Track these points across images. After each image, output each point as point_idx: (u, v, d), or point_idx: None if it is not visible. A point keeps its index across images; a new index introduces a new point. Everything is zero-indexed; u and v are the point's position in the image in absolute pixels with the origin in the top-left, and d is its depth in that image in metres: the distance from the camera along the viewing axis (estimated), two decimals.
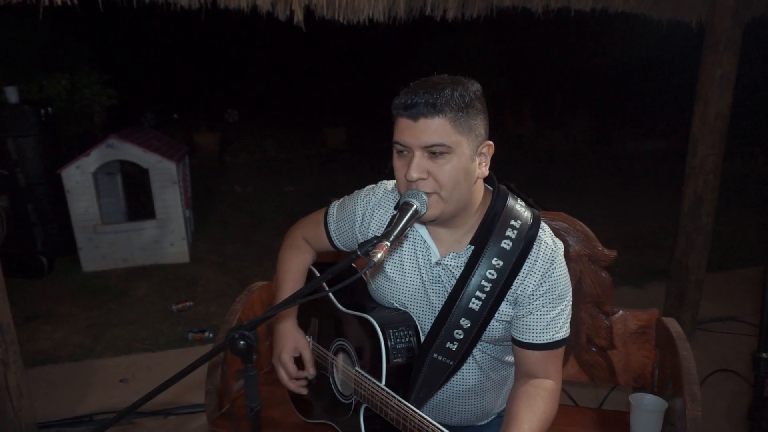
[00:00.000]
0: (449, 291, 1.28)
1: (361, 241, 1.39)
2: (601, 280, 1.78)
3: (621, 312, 1.78)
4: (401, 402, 1.16)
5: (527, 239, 1.24)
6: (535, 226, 1.27)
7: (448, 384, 1.34)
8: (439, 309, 1.29)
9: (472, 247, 1.26)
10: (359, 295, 1.47)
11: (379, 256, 1.00)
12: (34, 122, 4.55)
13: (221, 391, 1.76)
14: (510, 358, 1.38)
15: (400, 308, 1.36)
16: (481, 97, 1.17)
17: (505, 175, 1.33)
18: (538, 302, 1.24)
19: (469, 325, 1.25)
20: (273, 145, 10.33)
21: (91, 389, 2.86)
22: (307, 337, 1.55)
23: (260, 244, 5.27)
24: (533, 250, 1.25)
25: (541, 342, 1.25)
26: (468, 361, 1.32)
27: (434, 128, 1.11)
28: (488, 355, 1.34)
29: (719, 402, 2.62)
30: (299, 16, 2.54)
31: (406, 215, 1.10)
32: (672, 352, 1.59)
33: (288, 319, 1.52)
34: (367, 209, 1.39)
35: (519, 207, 1.29)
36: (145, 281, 4.34)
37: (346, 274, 1.44)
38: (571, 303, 1.30)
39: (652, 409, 1.55)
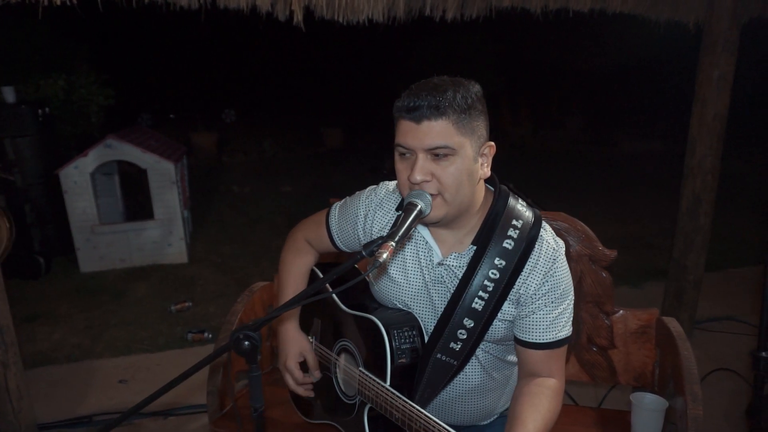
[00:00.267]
0: (452, 291, 1.28)
1: (364, 241, 1.41)
2: (602, 280, 1.79)
3: (621, 312, 1.79)
4: (407, 402, 1.16)
5: (529, 239, 1.25)
6: (536, 226, 1.27)
7: (452, 384, 1.35)
8: (442, 309, 1.29)
9: (474, 248, 1.27)
10: (362, 296, 1.47)
11: (384, 256, 1.00)
12: (32, 122, 4.53)
13: (223, 391, 1.76)
14: (512, 358, 1.38)
15: (403, 309, 1.37)
16: (482, 98, 1.18)
17: (503, 175, 1.33)
18: (540, 302, 1.25)
19: (472, 325, 1.25)
20: (270, 146, 10.32)
21: (90, 390, 2.86)
22: (309, 337, 1.55)
23: (258, 244, 5.27)
24: (535, 249, 1.25)
25: (544, 341, 1.26)
26: (471, 361, 1.33)
27: (437, 131, 1.12)
28: (491, 354, 1.35)
29: (718, 401, 2.63)
30: (299, 17, 2.54)
31: (410, 216, 1.10)
32: (673, 351, 1.60)
33: (290, 322, 1.52)
34: (369, 210, 1.39)
35: (520, 207, 1.30)
36: (144, 282, 4.33)
37: (349, 274, 1.44)
38: (573, 302, 1.31)
39: (653, 409, 1.56)
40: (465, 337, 1.26)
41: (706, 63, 2.73)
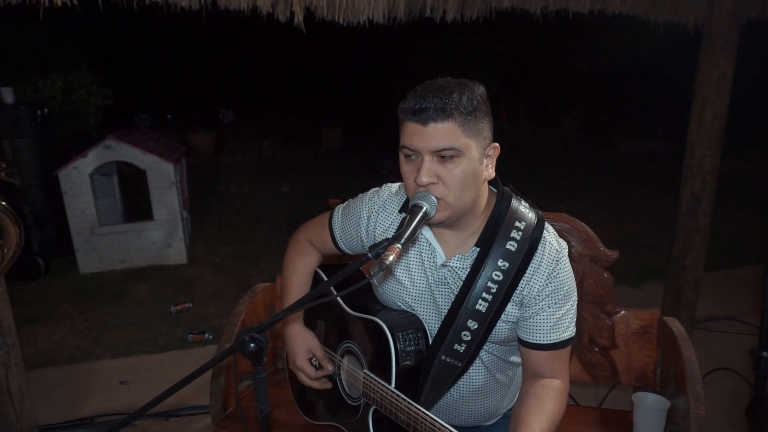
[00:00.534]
0: (455, 293, 1.29)
1: (367, 243, 1.41)
2: (603, 281, 1.80)
3: (623, 312, 1.80)
4: (412, 404, 1.17)
5: (532, 240, 1.25)
6: (539, 227, 1.28)
7: (456, 385, 1.35)
8: (446, 311, 1.30)
9: (478, 249, 1.27)
10: (365, 298, 1.47)
11: (391, 258, 1.00)
12: (30, 123, 4.52)
13: (226, 392, 1.76)
14: (516, 358, 1.39)
15: (407, 310, 1.37)
16: (487, 100, 1.18)
17: (501, 176, 1.34)
18: (544, 303, 1.25)
19: (476, 326, 1.25)
20: (269, 146, 10.31)
21: (91, 391, 2.85)
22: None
23: (257, 244, 5.27)
24: (538, 251, 1.26)
25: (548, 342, 1.26)
26: (475, 362, 1.33)
27: (444, 132, 1.12)
28: (494, 355, 1.35)
29: (718, 400, 2.64)
30: (299, 17, 2.54)
31: (416, 217, 1.10)
32: (674, 351, 1.61)
33: (295, 323, 1.52)
34: (372, 212, 1.40)
35: (523, 208, 1.30)
36: (143, 282, 4.33)
37: (353, 277, 1.45)
38: (576, 303, 1.31)
39: (655, 408, 1.56)
40: (469, 338, 1.26)
41: (705, 63, 2.73)
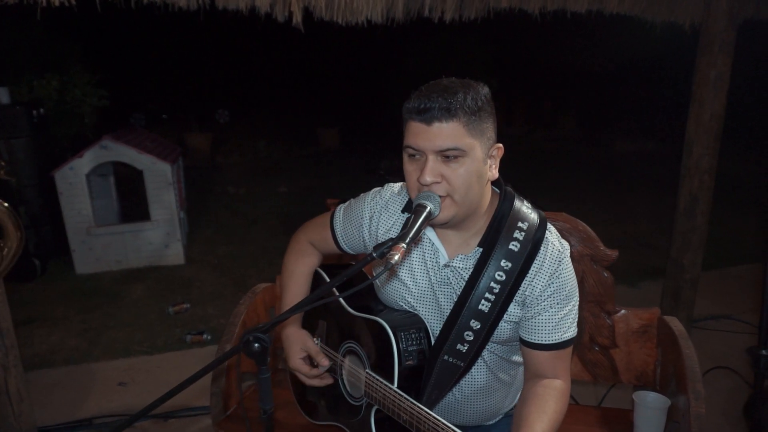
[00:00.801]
0: (458, 293, 1.29)
1: (369, 243, 1.41)
2: (603, 280, 1.80)
3: (623, 311, 1.80)
4: (414, 404, 1.17)
5: (535, 241, 1.26)
6: (542, 228, 1.28)
7: (459, 385, 1.35)
8: (448, 311, 1.30)
9: (481, 249, 1.27)
10: (367, 298, 1.47)
11: (396, 257, 1.01)
12: (26, 123, 4.50)
13: (227, 393, 1.76)
14: (518, 358, 1.39)
15: (410, 310, 1.37)
16: (491, 100, 1.19)
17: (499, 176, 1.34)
18: (546, 303, 1.26)
19: (479, 326, 1.26)
20: (266, 146, 10.29)
21: (89, 393, 2.84)
22: (314, 339, 1.55)
23: (255, 245, 5.26)
24: (541, 251, 1.26)
25: (550, 342, 1.26)
26: (478, 362, 1.33)
27: (448, 132, 1.12)
28: (497, 355, 1.35)
29: (716, 399, 2.65)
30: (298, 18, 2.53)
31: (420, 217, 1.10)
32: (675, 350, 1.61)
33: (290, 324, 1.52)
34: (375, 212, 1.40)
35: (526, 209, 1.31)
36: (140, 283, 4.32)
37: (355, 277, 1.44)
38: (578, 303, 1.31)
39: (656, 407, 1.57)
40: (472, 338, 1.27)
41: (703, 63, 2.75)
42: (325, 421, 1.57)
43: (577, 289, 1.32)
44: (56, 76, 5.80)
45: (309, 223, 1.59)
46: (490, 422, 1.47)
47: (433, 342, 1.32)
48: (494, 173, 1.23)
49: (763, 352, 1.63)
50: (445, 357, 1.27)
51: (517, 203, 1.30)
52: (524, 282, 1.25)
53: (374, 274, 1.44)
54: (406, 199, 1.37)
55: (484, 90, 1.17)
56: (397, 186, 1.43)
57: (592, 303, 1.80)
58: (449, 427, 1.09)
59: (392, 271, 1.36)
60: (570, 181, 7.85)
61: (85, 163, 4.32)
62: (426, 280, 1.33)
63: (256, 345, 1.06)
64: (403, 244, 1.03)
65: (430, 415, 1.13)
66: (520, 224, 1.26)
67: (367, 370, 1.34)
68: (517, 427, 1.17)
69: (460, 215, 1.20)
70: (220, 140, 10.33)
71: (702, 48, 2.77)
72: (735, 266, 4.48)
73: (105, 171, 4.92)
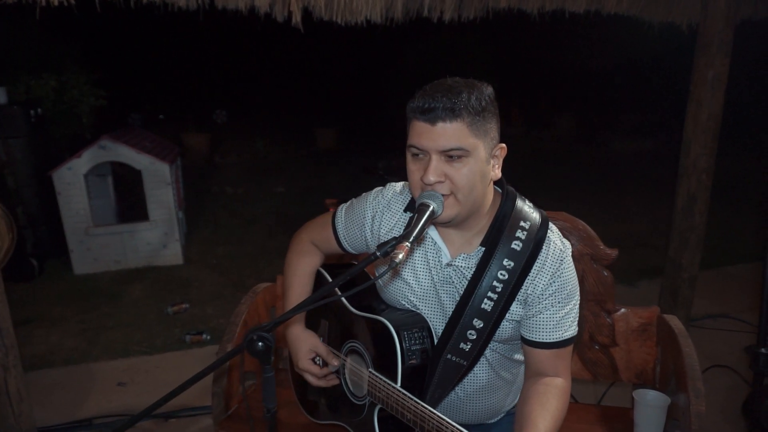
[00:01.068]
0: (460, 292, 1.29)
1: (372, 243, 1.42)
2: (603, 279, 1.81)
3: (623, 310, 1.81)
4: (419, 403, 1.17)
5: (537, 240, 1.26)
6: (543, 227, 1.29)
7: (461, 384, 1.36)
8: (451, 310, 1.30)
9: (483, 249, 1.28)
10: (369, 297, 1.47)
11: (400, 256, 1.01)
12: (24, 123, 4.49)
13: (228, 393, 1.76)
14: (519, 356, 1.40)
15: (412, 309, 1.38)
16: (494, 101, 1.19)
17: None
18: (547, 302, 1.26)
19: (481, 325, 1.26)
20: (263, 146, 10.28)
21: (89, 393, 2.84)
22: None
23: (253, 244, 5.26)
24: (543, 250, 1.27)
25: (551, 341, 1.27)
26: (480, 360, 1.34)
27: (452, 132, 1.12)
28: (499, 354, 1.36)
29: (714, 397, 2.66)
30: (297, 17, 2.54)
31: (424, 216, 1.11)
32: (674, 348, 1.62)
33: (296, 324, 1.52)
34: (377, 212, 1.40)
35: (528, 208, 1.31)
36: (139, 283, 4.31)
37: (357, 276, 1.45)
38: (578, 302, 1.32)
39: (656, 405, 1.58)
40: (475, 337, 1.27)
41: (701, 64, 2.76)
42: (327, 420, 1.57)
43: (578, 288, 1.32)
44: (54, 75, 5.79)
45: (311, 223, 1.59)
46: (492, 421, 1.48)
47: (436, 341, 1.32)
48: (497, 173, 1.24)
49: (763, 350, 1.64)
50: (449, 356, 1.28)
51: (519, 203, 1.31)
52: (526, 281, 1.26)
53: (377, 274, 1.45)
54: (408, 199, 1.38)
55: (488, 90, 1.18)
56: (399, 185, 1.43)
57: (592, 302, 1.81)
58: (454, 426, 1.09)
59: (395, 270, 1.36)
60: (568, 180, 7.87)
61: (83, 163, 4.31)
62: (428, 279, 1.34)
63: (260, 344, 1.06)
64: (407, 243, 1.03)
65: (435, 413, 1.14)
66: (522, 223, 1.27)
67: (370, 370, 1.34)
68: (521, 425, 1.18)
69: (463, 214, 1.20)
70: (218, 140, 10.31)
71: (700, 48, 2.78)
72: (732, 265, 4.51)
73: (103, 171, 4.91)
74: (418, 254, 1.35)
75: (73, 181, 4.31)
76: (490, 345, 1.32)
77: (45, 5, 2.14)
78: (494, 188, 1.33)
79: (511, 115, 11.56)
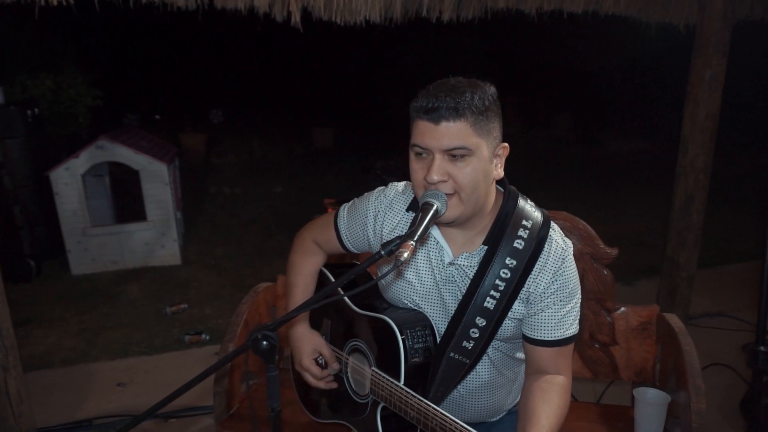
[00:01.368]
0: (462, 291, 1.30)
1: (374, 242, 1.42)
2: (603, 278, 1.82)
3: (623, 308, 1.82)
4: (422, 401, 1.18)
5: (539, 239, 1.27)
6: (545, 226, 1.29)
7: (464, 382, 1.37)
8: (453, 308, 1.31)
9: (485, 247, 1.28)
10: (372, 296, 1.48)
11: (405, 255, 1.02)
12: (21, 123, 4.47)
13: (230, 393, 1.76)
14: (521, 355, 1.40)
15: (414, 308, 1.38)
16: (497, 100, 1.20)
17: None
18: (549, 300, 1.27)
19: (484, 323, 1.27)
20: (260, 146, 10.27)
21: (88, 393, 2.83)
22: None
23: (251, 245, 5.25)
24: (545, 249, 1.27)
25: (553, 339, 1.28)
26: (483, 358, 1.34)
27: (455, 132, 1.13)
28: (501, 352, 1.37)
29: (712, 395, 2.68)
30: (296, 17, 2.54)
31: (428, 215, 1.12)
32: (674, 346, 1.63)
33: (301, 323, 1.53)
34: (379, 211, 1.41)
35: (530, 207, 1.32)
36: (137, 284, 4.30)
37: (359, 275, 1.45)
38: (580, 300, 1.33)
39: (656, 403, 1.59)
40: (477, 335, 1.28)
41: (698, 64, 2.78)
42: (329, 419, 1.58)
43: (580, 287, 1.33)
44: (50, 75, 5.78)
45: (312, 223, 1.60)
46: (493, 419, 1.49)
47: (438, 339, 1.33)
48: (500, 172, 1.24)
49: (762, 348, 1.65)
50: (451, 354, 1.29)
51: (521, 202, 1.32)
52: (528, 279, 1.27)
53: (379, 273, 1.45)
54: (411, 198, 1.38)
55: (491, 90, 1.19)
56: (401, 185, 1.44)
57: (592, 301, 1.82)
58: (457, 423, 1.10)
59: (398, 269, 1.37)
60: (565, 180, 7.89)
61: (81, 163, 4.30)
62: (431, 278, 1.34)
63: (265, 343, 1.07)
64: (412, 242, 1.04)
65: (438, 411, 1.14)
66: (524, 222, 1.28)
67: (372, 368, 1.35)
68: (524, 421, 1.18)
69: (466, 214, 1.21)
70: (215, 140, 10.30)
71: (697, 48, 2.79)
72: (729, 264, 4.53)
73: (100, 171, 4.89)
74: (420, 253, 1.35)
75: (71, 181, 4.30)
76: (492, 343, 1.33)
77: (44, 5, 2.14)
78: (496, 187, 1.33)
79: (508, 115, 11.58)
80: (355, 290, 1.10)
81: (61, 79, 5.92)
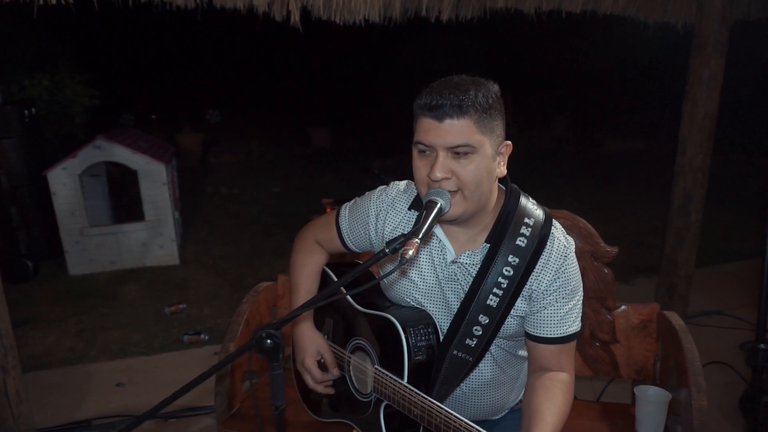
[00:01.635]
0: (465, 289, 1.30)
1: (376, 241, 1.42)
2: (604, 276, 1.83)
3: (623, 307, 1.83)
4: (426, 398, 1.18)
5: (541, 237, 1.28)
6: (547, 224, 1.30)
7: (467, 379, 1.37)
8: (456, 306, 1.31)
9: (488, 245, 1.29)
10: (374, 295, 1.48)
11: (410, 253, 1.02)
12: (18, 123, 4.46)
13: (231, 392, 1.76)
14: (523, 353, 1.41)
15: (417, 306, 1.38)
16: (500, 98, 1.20)
17: None
18: (552, 297, 1.27)
19: (487, 321, 1.27)
20: (257, 146, 10.25)
21: (87, 394, 2.82)
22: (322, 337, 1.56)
23: (249, 245, 5.25)
24: (547, 247, 1.28)
25: (555, 336, 1.28)
26: (486, 356, 1.35)
27: (459, 129, 1.13)
28: (504, 350, 1.37)
29: (711, 393, 2.65)
30: (296, 17, 2.54)
31: (432, 213, 1.12)
32: (675, 344, 1.64)
33: (306, 322, 1.53)
34: (381, 210, 1.41)
35: (531, 205, 1.33)
36: (135, 284, 4.29)
37: (361, 274, 1.45)
38: (582, 298, 1.33)
39: (657, 401, 1.59)
40: (480, 333, 1.28)
41: (696, 63, 2.79)
42: (332, 418, 1.58)
43: (582, 284, 1.34)
44: (47, 75, 5.76)
45: (314, 222, 1.60)
46: (496, 417, 1.49)
47: (441, 337, 1.33)
48: (502, 170, 1.25)
49: (762, 346, 1.66)
50: (454, 352, 1.29)
51: (523, 200, 1.32)
52: (531, 277, 1.27)
53: (382, 271, 1.45)
54: (413, 197, 1.39)
55: (495, 88, 1.19)
56: (402, 184, 1.44)
57: (592, 299, 1.82)
58: (461, 420, 1.10)
59: (401, 268, 1.37)
60: (563, 180, 7.91)
61: (78, 163, 4.29)
62: (433, 276, 1.35)
63: (269, 341, 1.06)
64: (417, 240, 1.04)
65: (442, 408, 1.15)
66: (526, 220, 1.28)
67: (376, 366, 1.35)
68: (529, 419, 1.19)
69: (469, 211, 1.21)
70: (211, 140, 10.28)
71: (695, 48, 2.81)
72: (727, 263, 4.55)
73: (97, 171, 4.88)
74: (422, 252, 1.35)
75: (69, 181, 4.28)
76: (495, 341, 1.33)
77: (42, 3, 2.13)
78: (498, 186, 1.33)
79: (506, 115, 11.57)
80: (359, 289, 1.11)
81: (57, 79, 5.89)
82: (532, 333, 1.30)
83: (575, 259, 1.31)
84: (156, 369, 3.06)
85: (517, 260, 1.26)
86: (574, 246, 1.32)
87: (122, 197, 5.44)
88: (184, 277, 4.43)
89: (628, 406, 1.82)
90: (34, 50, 5.89)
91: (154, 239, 4.62)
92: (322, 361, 1.51)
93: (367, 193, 1.48)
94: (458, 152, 1.15)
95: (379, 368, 1.33)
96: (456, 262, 1.30)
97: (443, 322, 1.34)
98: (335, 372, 1.49)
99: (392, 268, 1.05)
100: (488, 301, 1.26)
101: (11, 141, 4.43)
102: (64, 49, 6.32)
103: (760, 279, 1.71)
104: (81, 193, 4.36)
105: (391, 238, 1.37)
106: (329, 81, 12.94)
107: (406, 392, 1.23)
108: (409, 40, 9.64)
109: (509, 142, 1.25)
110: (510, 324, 1.31)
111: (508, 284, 1.26)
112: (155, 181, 4.48)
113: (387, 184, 1.47)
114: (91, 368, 3.08)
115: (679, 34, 3.04)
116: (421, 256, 1.35)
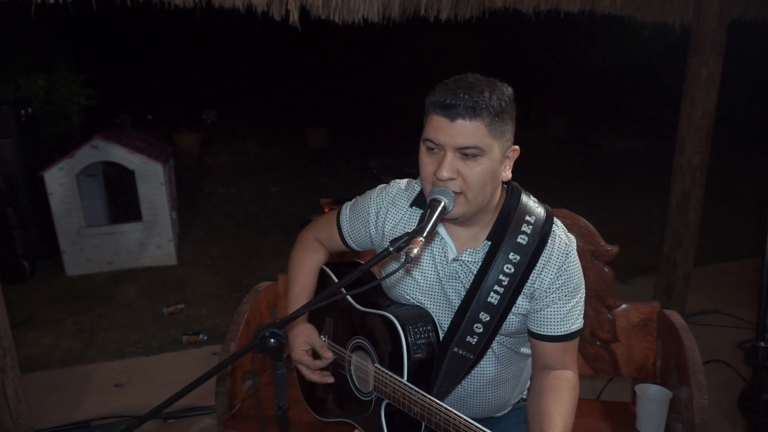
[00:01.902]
0: (466, 287, 1.30)
1: (376, 239, 1.42)
2: (604, 275, 1.83)
3: (623, 305, 1.83)
4: (426, 396, 1.18)
5: (542, 234, 1.28)
6: (548, 222, 1.30)
7: (468, 377, 1.37)
8: (457, 304, 1.31)
9: (489, 243, 1.29)
10: (374, 293, 1.48)
11: (416, 251, 1.02)
12: (14, 123, 4.44)
13: (232, 392, 1.76)
14: (525, 350, 1.41)
15: (416, 304, 1.38)
16: (513, 102, 1.20)
17: None
18: (554, 295, 1.27)
19: (488, 318, 1.27)
20: (254, 146, 10.23)
21: (85, 394, 2.81)
22: (322, 336, 1.56)
23: (247, 245, 5.24)
24: (548, 244, 1.28)
25: (559, 334, 1.28)
26: (487, 354, 1.35)
27: (470, 131, 1.13)
28: (505, 347, 1.37)
29: (710, 392, 2.65)
30: (295, 16, 2.53)
31: (436, 211, 1.12)
32: (676, 342, 1.65)
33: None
34: (381, 208, 1.41)
35: (533, 203, 1.33)
36: (133, 284, 4.28)
37: (362, 273, 1.45)
38: (584, 295, 1.34)
39: (658, 399, 1.60)
40: (481, 330, 1.28)
41: (694, 63, 2.80)
42: (334, 417, 1.58)
43: (584, 282, 1.34)
44: (43, 75, 5.73)
45: (315, 221, 1.60)
46: (498, 414, 1.49)
47: (442, 335, 1.33)
48: (507, 174, 1.25)
49: (762, 344, 1.67)
50: (455, 349, 1.29)
51: (524, 198, 1.32)
52: (532, 275, 1.27)
53: (385, 270, 1.45)
54: (414, 194, 1.38)
55: (508, 91, 1.19)
56: (403, 182, 1.44)
57: (593, 298, 1.82)
58: (461, 418, 1.10)
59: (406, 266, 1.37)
60: (561, 179, 7.92)
61: (75, 163, 4.27)
62: (434, 274, 1.34)
63: (272, 341, 1.06)
64: (421, 238, 1.04)
65: (442, 406, 1.14)
66: (527, 218, 1.28)
67: (375, 365, 1.35)
68: (539, 422, 1.18)
69: (471, 212, 1.21)
70: (208, 140, 10.25)
71: (693, 48, 2.82)
72: (725, 262, 4.56)
73: (94, 171, 4.86)
74: (424, 250, 1.35)
75: (66, 181, 4.27)
76: (496, 339, 1.33)
77: (40, 2, 2.12)
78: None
79: None
80: (361, 288, 1.10)
81: (54, 79, 5.87)
82: (535, 331, 1.30)
83: (577, 257, 1.31)
84: (154, 369, 3.05)
85: (518, 258, 1.26)
86: (575, 243, 1.33)
87: (119, 197, 5.41)
88: (182, 277, 4.42)
89: (629, 404, 1.83)
90: (31, 50, 5.87)
91: (152, 239, 4.61)
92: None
93: (367, 191, 1.48)
94: (467, 153, 1.14)
95: (379, 367, 1.33)
96: (457, 259, 1.30)
97: (444, 320, 1.34)
98: (327, 354, 1.47)
99: (396, 266, 1.05)
100: (489, 299, 1.26)
101: (8, 141, 4.41)
102: (61, 49, 6.30)
103: (760, 277, 1.72)
104: (78, 193, 4.34)
105: (391, 235, 1.37)
106: (327, 80, 12.93)
107: (405, 390, 1.23)
108: (407, 39, 9.64)
109: (517, 147, 1.25)
110: (511, 321, 1.31)
111: (509, 282, 1.26)
112: (152, 181, 4.47)
113: (386, 183, 1.48)
114: (90, 369, 3.06)
115: (677, 34, 3.05)
116: (423, 254, 1.35)
